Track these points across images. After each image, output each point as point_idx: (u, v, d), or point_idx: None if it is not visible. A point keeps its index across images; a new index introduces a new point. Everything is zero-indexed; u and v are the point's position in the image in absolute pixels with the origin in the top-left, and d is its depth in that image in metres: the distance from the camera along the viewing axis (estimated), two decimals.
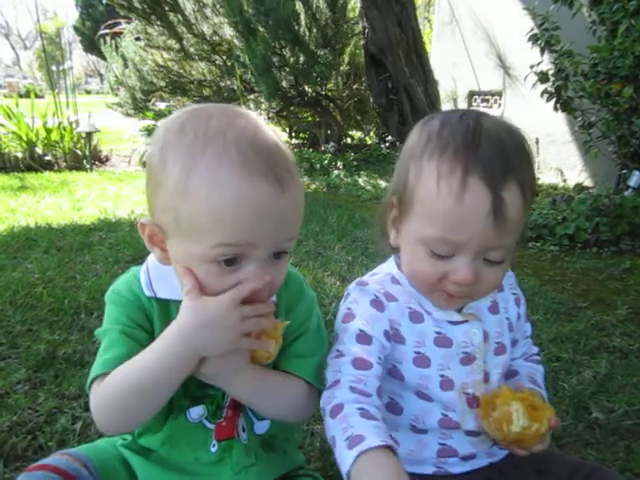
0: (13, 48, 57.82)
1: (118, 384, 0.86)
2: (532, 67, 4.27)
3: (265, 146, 0.84)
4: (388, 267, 1.07)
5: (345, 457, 0.80)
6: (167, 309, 0.95)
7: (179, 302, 0.90)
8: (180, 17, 7.20)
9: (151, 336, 0.92)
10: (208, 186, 0.80)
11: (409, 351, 0.97)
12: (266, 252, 0.85)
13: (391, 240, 1.02)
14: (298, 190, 0.87)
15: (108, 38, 8.82)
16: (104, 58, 9.44)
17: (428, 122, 0.97)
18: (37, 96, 7.47)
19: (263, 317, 0.87)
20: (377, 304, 0.98)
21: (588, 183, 5.21)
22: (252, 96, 7.24)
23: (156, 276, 0.95)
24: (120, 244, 3.25)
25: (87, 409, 1.62)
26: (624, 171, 4.31)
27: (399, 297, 1.00)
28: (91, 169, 6.53)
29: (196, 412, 0.97)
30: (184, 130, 0.83)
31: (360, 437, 0.81)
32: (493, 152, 0.87)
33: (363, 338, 0.95)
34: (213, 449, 0.97)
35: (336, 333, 1.01)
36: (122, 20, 8.30)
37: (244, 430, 1.00)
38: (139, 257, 2.99)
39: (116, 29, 8.60)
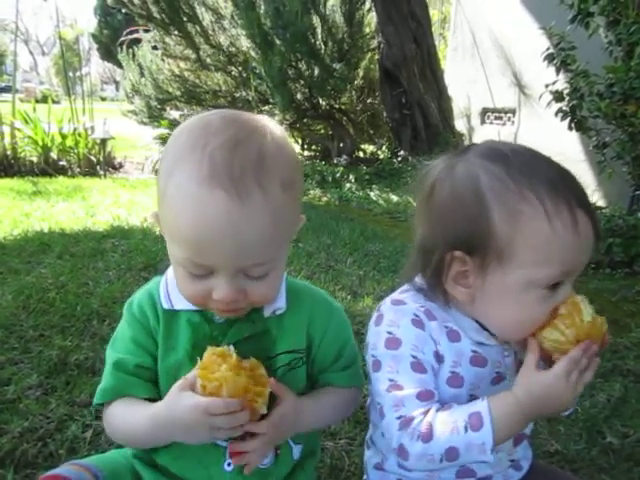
0: (31, 54, 58.68)
1: (120, 429, 0.96)
2: (547, 86, 4.28)
3: (241, 157, 0.79)
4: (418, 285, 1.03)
5: (482, 435, 0.84)
6: (174, 321, 0.95)
7: (190, 312, 0.93)
8: (198, 28, 7.30)
9: (154, 357, 0.96)
10: (177, 195, 0.80)
11: (445, 370, 0.94)
12: (229, 272, 0.83)
13: (461, 297, 0.93)
14: (267, 209, 0.80)
15: (125, 46, 8.93)
16: (120, 66, 9.55)
17: (471, 169, 0.90)
18: (53, 101, 7.56)
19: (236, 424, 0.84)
20: (418, 323, 0.93)
21: (601, 203, 5.18)
22: (266, 107, 7.29)
23: (174, 287, 0.95)
24: (133, 251, 3.26)
25: (97, 417, 1.62)
26: (638, 192, 4.28)
27: (437, 315, 0.95)
28: (104, 175, 6.59)
29: None
30: (182, 133, 0.85)
31: (473, 414, 0.85)
32: (570, 179, 0.89)
33: (418, 367, 0.91)
34: (228, 468, 0.95)
35: (376, 359, 0.95)
36: (140, 28, 8.41)
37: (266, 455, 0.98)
38: (151, 265, 3.00)
39: (136, 35, 8.71)
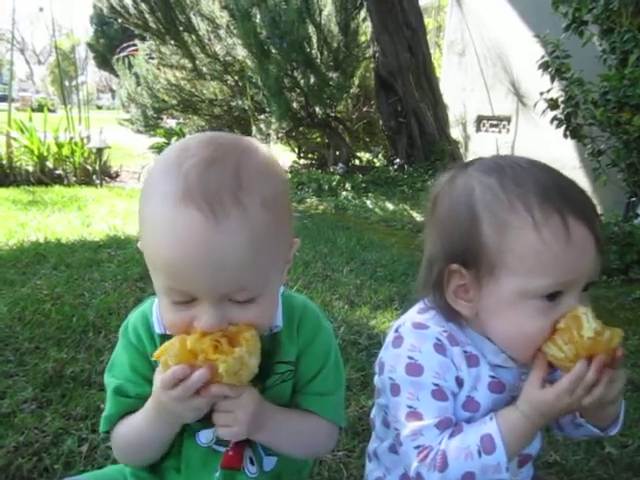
0: (27, 63, 58.73)
1: (122, 441, 0.95)
2: (542, 94, 4.30)
3: (218, 174, 0.75)
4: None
5: (496, 457, 0.84)
6: None
7: None
8: (194, 37, 7.33)
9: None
10: (153, 218, 0.78)
11: (462, 395, 0.93)
12: (211, 297, 0.78)
13: (463, 311, 0.92)
14: (246, 227, 0.75)
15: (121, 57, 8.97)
16: (116, 74, 9.58)
17: (468, 182, 0.91)
18: (49, 110, 7.57)
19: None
20: (440, 349, 0.91)
21: (597, 210, 5.20)
22: (262, 116, 7.31)
23: None
24: (129, 262, 3.25)
25: (94, 431, 1.60)
26: (633, 199, 4.30)
27: (459, 339, 0.93)
28: (101, 185, 6.58)
29: (205, 436, 0.95)
30: (161, 157, 0.83)
31: (484, 437, 0.85)
32: (568, 189, 0.88)
33: (439, 394, 0.90)
34: (216, 474, 0.94)
35: (395, 383, 0.93)
36: (136, 41, 8.44)
37: (253, 463, 0.96)
38: (147, 275, 2.97)
39: (132, 49, 8.74)
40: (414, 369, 0.91)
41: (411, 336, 0.94)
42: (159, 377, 0.82)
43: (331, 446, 1.03)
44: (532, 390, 0.87)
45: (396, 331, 0.97)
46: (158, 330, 0.93)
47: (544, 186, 0.86)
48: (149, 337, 0.93)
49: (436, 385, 0.90)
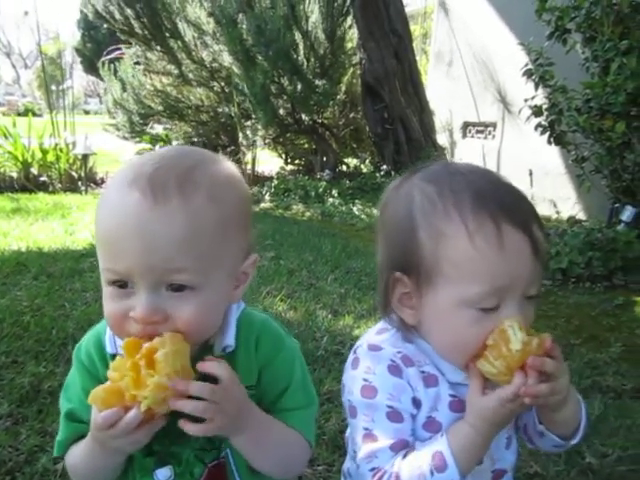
0: (14, 67, 58.30)
1: (72, 467, 0.93)
2: (526, 101, 4.33)
3: (169, 167, 0.80)
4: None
5: (449, 474, 0.83)
6: None
7: None
8: (180, 43, 7.30)
9: None
10: (100, 203, 0.83)
11: (422, 415, 0.92)
12: (147, 281, 0.78)
13: (407, 319, 0.92)
14: (183, 211, 0.77)
15: (107, 62, 8.91)
16: (103, 79, 9.51)
17: (410, 190, 0.91)
18: (35, 115, 7.50)
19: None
20: (395, 370, 0.90)
21: (581, 216, 5.23)
22: (249, 122, 7.29)
23: None
24: None
25: None
26: (617, 205, 4.34)
27: (414, 359, 0.92)
28: (86, 191, 6.52)
29: (163, 474, 0.91)
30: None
31: (436, 454, 0.84)
32: (509, 195, 0.88)
33: (394, 416, 0.89)
34: None
35: (352, 405, 0.92)
36: (122, 45, 8.39)
37: None
38: None
39: (117, 53, 8.69)
40: (368, 391, 0.90)
41: (366, 358, 0.93)
42: (93, 418, 0.80)
43: (304, 465, 1.01)
44: (474, 399, 0.87)
45: (354, 352, 0.97)
46: (110, 349, 0.89)
47: (479, 192, 0.86)
48: (101, 358, 0.90)
49: (390, 407, 0.89)
